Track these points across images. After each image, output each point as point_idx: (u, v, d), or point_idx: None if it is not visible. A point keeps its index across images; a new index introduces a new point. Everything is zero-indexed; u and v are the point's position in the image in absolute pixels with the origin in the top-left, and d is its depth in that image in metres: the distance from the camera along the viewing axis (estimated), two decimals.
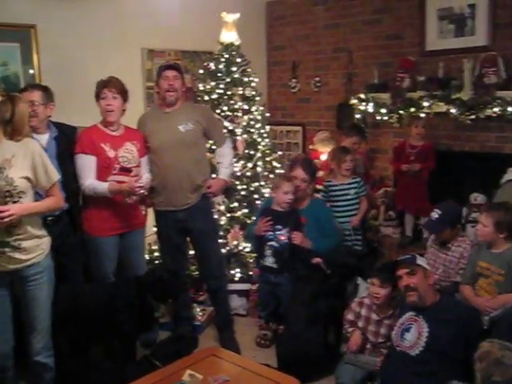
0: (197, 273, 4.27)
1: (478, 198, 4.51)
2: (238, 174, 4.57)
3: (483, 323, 2.98)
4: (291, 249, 3.78)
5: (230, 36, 4.70)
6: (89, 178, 3.39)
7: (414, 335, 2.82)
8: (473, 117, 4.51)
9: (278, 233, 3.79)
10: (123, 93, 3.49)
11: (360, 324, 3.36)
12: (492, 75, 4.38)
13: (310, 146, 5.82)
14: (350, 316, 3.41)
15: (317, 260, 3.74)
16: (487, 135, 4.70)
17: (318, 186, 5.06)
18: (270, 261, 3.82)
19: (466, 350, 2.59)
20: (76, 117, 3.73)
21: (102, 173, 3.43)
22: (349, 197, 4.42)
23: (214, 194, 3.83)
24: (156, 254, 4.47)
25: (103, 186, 3.36)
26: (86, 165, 3.40)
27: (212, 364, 2.76)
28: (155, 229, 4.05)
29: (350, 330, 3.38)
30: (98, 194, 3.39)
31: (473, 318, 2.87)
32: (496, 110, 4.35)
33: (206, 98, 4.64)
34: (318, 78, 6.06)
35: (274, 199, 3.89)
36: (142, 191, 3.36)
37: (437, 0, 4.93)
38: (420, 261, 3.01)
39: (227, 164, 3.88)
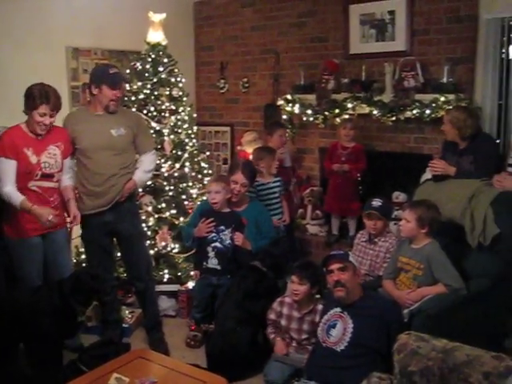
0: (125, 275, 4.23)
1: (399, 196, 4.71)
2: (166, 174, 4.55)
3: (403, 316, 3.11)
4: (234, 250, 3.82)
5: (156, 36, 4.67)
6: (8, 184, 3.28)
7: (339, 331, 2.91)
8: (393, 118, 4.70)
9: (221, 234, 3.81)
10: (59, 109, 3.40)
11: (283, 322, 3.43)
12: (411, 79, 4.58)
13: (238, 147, 5.86)
14: (272, 316, 3.48)
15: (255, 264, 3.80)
16: (407, 136, 4.90)
17: None
18: (213, 262, 3.84)
19: (387, 343, 2.69)
20: None
21: (23, 178, 3.33)
22: (276, 195, 4.49)
23: (121, 195, 3.67)
24: (83, 256, 4.39)
25: (17, 200, 3.27)
26: (7, 169, 3.29)
27: (139, 366, 2.74)
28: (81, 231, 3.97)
29: (272, 337, 3.44)
30: (11, 203, 3.30)
31: (393, 312, 3.00)
32: (415, 112, 4.55)
33: (133, 98, 4.59)
34: (245, 79, 6.11)
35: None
36: (52, 222, 3.30)
37: (359, 5, 5.08)
38: (351, 258, 3.12)
39: (143, 169, 3.76)
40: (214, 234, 3.83)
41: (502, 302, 3.43)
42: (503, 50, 4.35)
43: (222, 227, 3.82)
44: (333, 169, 4.80)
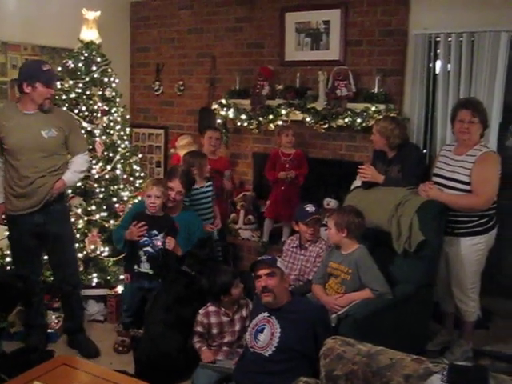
0: (51, 278, 4.11)
1: (330, 202, 4.80)
2: (97, 176, 4.46)
3: (331, 321, 3.16)
4: (165, 255, 3.77)
5: (90, 34, 4.58)
6: None
7: (267, 336, 2.92)
8: (326, 126, 4.79)
9: (153, 238, 3.77)
10: None
11: (214, 331, 3.42)
12: (343, 88, 4.68)
13: (172, 150, 5.82)
14: (198, 328, 3.46)
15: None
16: (339, 144, 5.01)
17: None
18: (145, 266, 3.79)
19: (314, 348, 2.72)
20: None
21: None
22: (209, 199, 4.48)
23: (50, 195, 3.57)
24: (8, 259, 4.24)
25: None
26: None
27: (63, 374, 2.65)
28: (7, 233, 3.83)
29: (197, 346, 3.42)
30: None
31: (321, 317, 3.03)
32: (346, 120, 4.65)
33: (64, 97, 4.47)
34: (181, 82, 6.06)
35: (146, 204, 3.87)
36: None
37: (295, 14, 5.15)
38: (279, 263, 3.13)
39: (74, 169, 3.68)
40: (146, 238, 3.77)
41: (424, 306, 3.58)
42: (430, 65, 4.52)
43: (155, 231, 3.78)
44: (279, 177, 4.77)
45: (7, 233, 3.83)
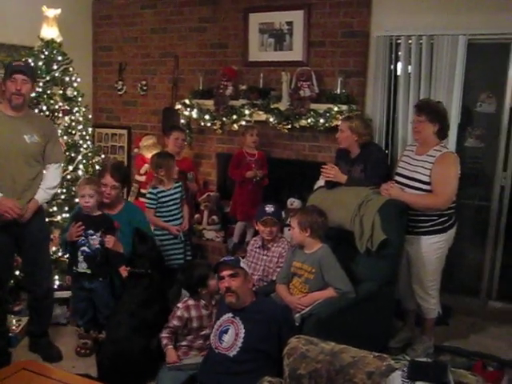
0: (12, 281, 4.03)
1: (294, 202, 4.83)
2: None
3: (295, 320, 3.19)
4: (104, 253, 3.74)
5: (51, 32, 4.50)
6: None
7: (231, 336, 2.93)
8: (289, 126, 4.83)
9: (90, 238, 3.73)
10: None
11: (194, 325, 3.40)
12: (306, 88, 4.73)
13: (135, 150, 5.77)
14: (175, 322, 3.41)
15: (124, 269, 3.76)
16: (302, 144, 5.06)
17: (143, 191, 5.05)
18: (83, 266, 3.74)
19: (278, 347, 2.73)
20: None
21: None
22: (178, 201, 4.45)
23: (23, 218, 3.49)
24: None
25: None
26: None
27: (22, 379, 2.58)
28: None
29: (164, 343, 3.38)
30: None
31: (284, 316, 3.06)
32: (309, 120, 4.70)
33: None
34: (144, 82, 6.02)
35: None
36: None
37: (259, 14, 5.18)
38: (242, 264, 3.14)
39: (46, 186, 3.60)
40: (82, 238, 3.74)
41: (386, 304, 3.64)
42: (392, 66, 4.59)
43: (91, 231, 3.74)
44: (247, 176, 4.77)
45: None
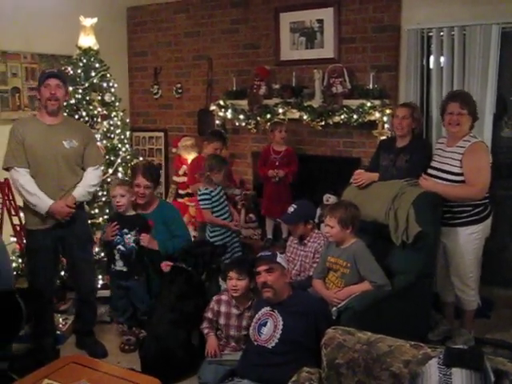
0: (58, 282, 4.19)
1: (329, 198, 4.85)
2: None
3: (332, 314, 3.22)
4: (139, 251, 3.86)
5: (88, 40, 4.63)
6: None
7: (270, 329, 2.99)
8: (323, 123, 4.85)
9: (125, 236, 3.86)
10: None
11: (221, 321, 3.48)
12: (339, 85, 4.75)
13: (174, 150, 5.90)
14: (208, 314, 3.53)
15: (166, 264, 3.86)
16: (337, 140, 5.09)
17: (182, 192, 5.15)
18: (119, 264, 3.87)
19: (316, 339, 2.77)
20: None
21: None
22: (226, 201, 4.55)
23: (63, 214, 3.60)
24: (13, 264, 4.34)
25: None
26: None
27: (72, 371, 2.71)
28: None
29: (206, 332, 3.49)
30: None
31: (321, 309, 3.11)
32: (343, 117, 4.72)
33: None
34: (179, 85, 6.14)
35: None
36: None
37: (290, 14, 5.24)
38: (279, 259, 3.18)
39: (85, 183, 3.70)
40: (118, 237, 3.87)
41: (424, 297, 3.62)
42: (424, 60, 4.58)
43: (126, 230, 3.87)
44: (268, 175, 4.87)
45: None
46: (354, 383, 2.34)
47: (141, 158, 5.10)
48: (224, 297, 3.51)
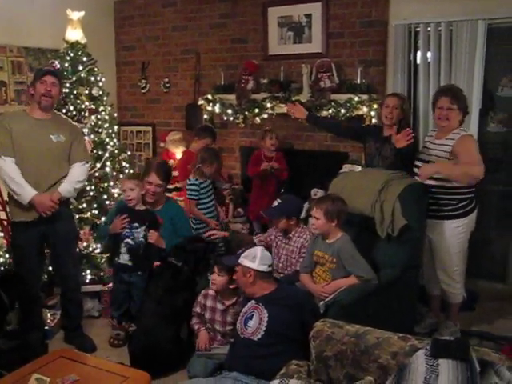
0: (45, 277, 4.18)
1: (317, 193, 4.85)
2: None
3: (320, 308, 3.24)
4: (146, 247, 3.85)
5: (75, 34, 4.60)
6: None
7: (255, 321, 3.00)
8: None
9: (134, 230, 3.84)
10: None
11: (207, 315, 3.50)
12: (327, 80, 4.77)
13: (162, 144, 5.89)
14: (197, 309, 3.56)
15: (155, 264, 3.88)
16: (324, 135, 5.10)
17: (170, 186, 5.15)
18: (125, 258, 3.86)
19: (302, 331, 2.80)
20: None
21: None
22: (213, 196, 4.57)
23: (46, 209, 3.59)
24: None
25: None
26: None
27: (61, 366, 2.72)
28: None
29: (196, 327, 3.52)
30: None
31: (308, 303, 3.13)
32: (331, 111, 4.74)
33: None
34: (167, 79, 6.13)
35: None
36: None
37: (277, 8, 5.24)
38: (242, 258, 3.15)
39: (71, 179, 3.68)
40: (127, 230, 3.85)
41: (410, 290, 3.66)
42: (411, 55, 4.61)
43: (136, 224, 3.86)
44: (262, 168, 4.87)
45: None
46: (343, 375, 2.37)
47: (129, 153, 5.08)
48: (211, 291, 3.53)
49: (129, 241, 3.84)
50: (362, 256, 3.35)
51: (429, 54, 4.49)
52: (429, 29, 4.44)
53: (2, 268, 4.32)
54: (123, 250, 3.85)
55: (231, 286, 3.43)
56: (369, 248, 3.51)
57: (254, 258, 3.11)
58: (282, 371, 2.51)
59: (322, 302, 3.26)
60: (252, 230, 5.24)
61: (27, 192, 3.48)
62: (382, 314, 3.26)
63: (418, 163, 3.73)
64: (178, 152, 5.51)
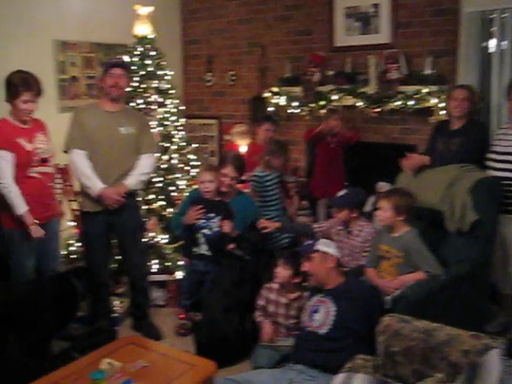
0: (115, 265, 4.30)
1: (383, 186, 4.77)
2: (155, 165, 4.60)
3: (386, 303, 3.19)
4: (221, 237, 3.91)
5: (143, 29, 4.70)
6: (11, 182, 3.35)
7: (322, 315, 2.98)
8: (378, 110, 4.78)
9: (211, 221, 3.91)
10: (41, 94, 3.46)
11: (270, 309, 3.51)
12: (394, 71, 4.66)
13: (227, 137, 5.93)
14: (261, 301, 3.56)
15: (230, 246, 3.91)
16: (391, 127, 5.00)
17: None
18: (204, 248, 3.94)
19: (369, 326, 2.75)
20: None
21: (22, 167, 3.41)
22: (278, 189, 4.57)
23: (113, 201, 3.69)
24: (71, 248, 4.52)
25: (20, 207, 3.36)
26: (5, 163, 3.34)
27: (130, 352, 2.79)
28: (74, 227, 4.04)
29: (259, 320, 3.52)
30: (11, 203, 3.36)
31: (374, 296, 3.09)
32: (398, 103, 4.63)
33: None
34: (232, 72, 6.16)
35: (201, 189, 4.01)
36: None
37: None
38: (320, 245, 3.13)
39: (138, 172, 3.78)
40: (203, 221, 3.92)
41: (480, 287, 3.54)
42: (484, 44, 4.43)
43: (212, 214, 3.92)
44: (317, 131, 4.78)
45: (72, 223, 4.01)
46: (410, 372, 2.32)
47: (195, 145, 5.14)
48: (274, 285, 3.54)
49: (206, 231, 3.92)
50: (430, 251, 3.26)
51: (503, 43, 4.31)
52: (504, 15, 4.25)
53: (75, 256, 4.50)
54: (202, 240, 3.93)
55: (294, 280, 3.43)
56: (437, 243, 3.43)
57: (331, 246, 3.13)
58: (347, 365, 2.49)
59: (388, 297, 3.21)
60: (316, 221, 5.18)
61: (96, 185, 3.61)
62: (450, 311, 3.18)
63: (494, 156, 3.59)
64: (243, 144, 5.54)
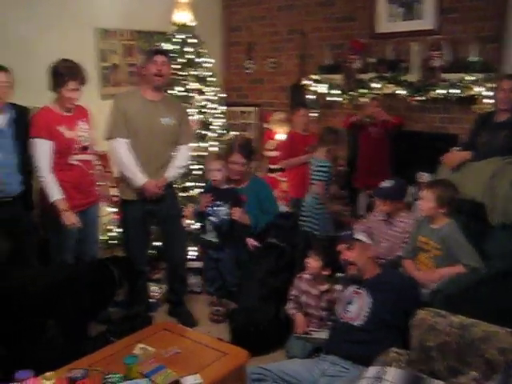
0: (153, 252, 4.36)
1: (423, 176, 4.68)
2: (193, 153, 4.62)
3: (423, 296, 3.12)
4: (230, 224, 3.95)
5: (183, 16, 4.70)
6: (47, 170, 3.39)
7: (356, 307, 2.95)
8: (420, 98, 4.68)
9: (216, 208, 3.97)
10: (85, 82, 3.50)
11: (302, 298, 3.50)
12: (437, 58, 4.55)
13: (265, 125, 5.91)
14: (293, 291, 3.55)
15: (252, 243, 3.94)
16: (433, 116, 4.89)
17: (272, 166, 5.16)
18: (211, 235, 4.02)
19: (405, 319, 2.70)
20: (22, 97, 3.54)
21: (62, 155, 3.46)
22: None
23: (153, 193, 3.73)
24: (110, 234, 4.61)
25: (55, 194, 3.39)
26: (43, 151, 3.39)
27: (164, 338, 2.82)
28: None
29: (291, 312, 3.51)
30: (46, 192, 3.41)
31: (411, 289, 3.02)
32: (441, 91, 4.52)
33: None
34: (272, 59, 6.13)
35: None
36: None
37: None
38: (360, 235, 3.11)
39: (176, 165, 3.80)
40: (209, 208, 4.00)
41: None
42: None
43: (219, 202, 3.98)
44: (355, 120, 4.82)
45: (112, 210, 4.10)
46: (444, 368, 2.28)
47: (233, 133, 5.14)
48: (306, 276, 3.52)
49: (212, 218, 3.98)
50: (470, 244, 3.19)
51: None
52: None
53: (114, 242, 4.57)
54: (209, 227, 4.00)
55: (324, 272, 3.41)
56: (478, 236, 3.33)
57: (368, 237, 3.12)
58: (380, 358, 2.46)
59: (426, 290, 3.14)
60: (355, 211, 5.13)
61: (138, 178, 3.65)
62: (490, 306, 3.07)
63: None
64: (282, 132, 5.51)
